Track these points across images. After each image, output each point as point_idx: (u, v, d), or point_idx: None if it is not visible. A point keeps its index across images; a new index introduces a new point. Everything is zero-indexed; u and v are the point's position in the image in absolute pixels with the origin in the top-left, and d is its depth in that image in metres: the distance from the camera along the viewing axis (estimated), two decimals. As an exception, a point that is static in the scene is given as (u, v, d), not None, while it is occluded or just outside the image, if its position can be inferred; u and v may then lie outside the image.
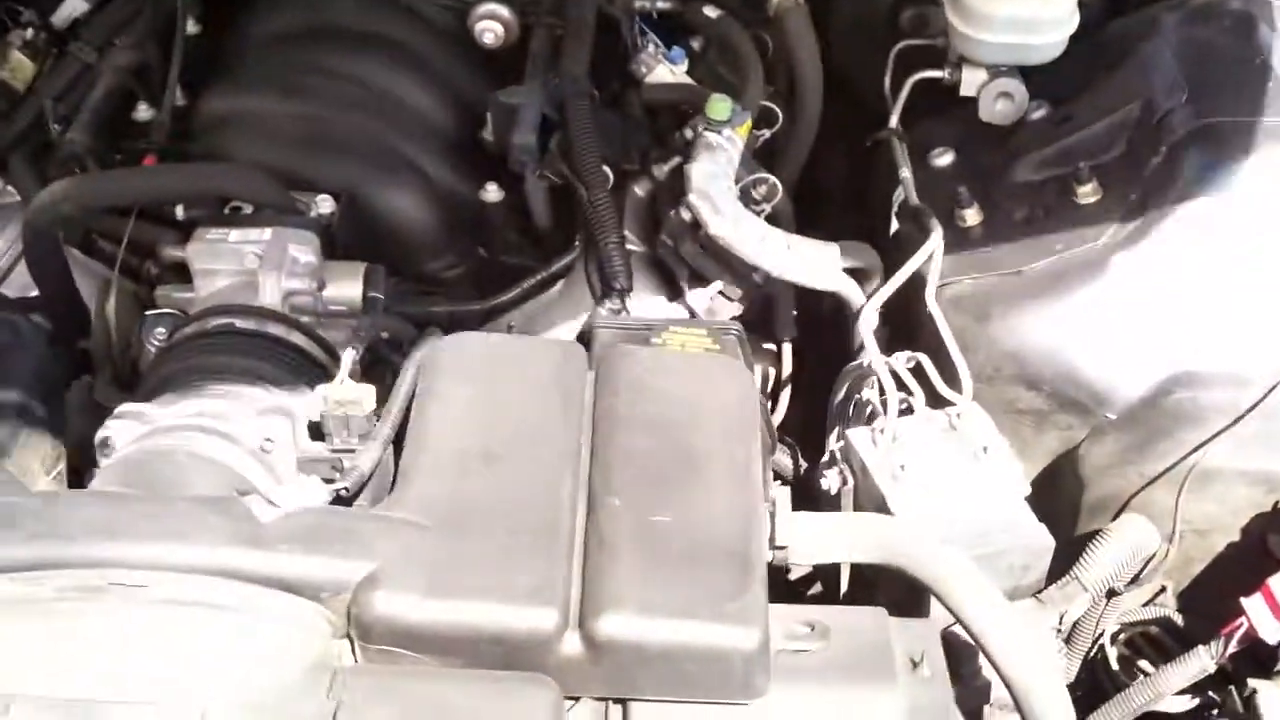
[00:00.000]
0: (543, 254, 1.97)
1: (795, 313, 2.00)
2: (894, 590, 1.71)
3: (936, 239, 1.85)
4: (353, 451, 1.50)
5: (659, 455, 1.45)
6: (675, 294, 1.95)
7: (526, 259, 1.97)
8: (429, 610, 1.29)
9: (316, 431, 1.51)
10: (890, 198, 2.09)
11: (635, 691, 1.32)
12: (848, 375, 1.92)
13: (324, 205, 1.82)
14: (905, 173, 2.01)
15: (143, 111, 1.98)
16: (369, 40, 2.05)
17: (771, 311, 1.99)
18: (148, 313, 1.73)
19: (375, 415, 1.50)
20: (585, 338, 1.79)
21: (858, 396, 1.87)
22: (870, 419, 1.80)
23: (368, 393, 1.50)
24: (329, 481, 1.45)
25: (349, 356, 1.50)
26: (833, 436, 1.78)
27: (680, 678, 1.31)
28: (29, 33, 2.17)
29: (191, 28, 2.10)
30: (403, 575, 1.31)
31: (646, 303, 1.92)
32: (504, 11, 2.08)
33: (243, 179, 1.76)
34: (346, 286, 1.72)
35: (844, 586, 1.74)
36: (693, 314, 1.92)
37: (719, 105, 1.93)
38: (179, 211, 1.81)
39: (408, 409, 1.50)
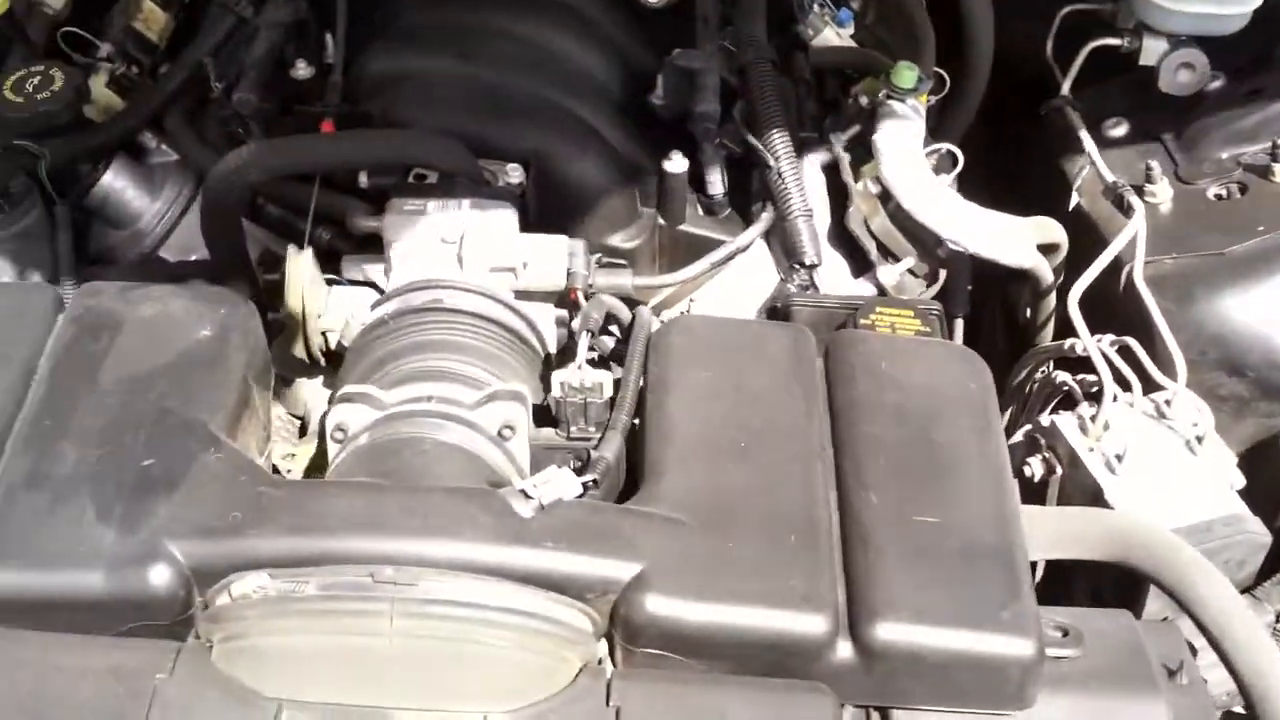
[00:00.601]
0: (718, 225, 1.90)
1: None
2: (1095, 581, 1.69)
3: (1140, 219, 1.80)
4: (588, 440, 1.44)
5: (906, 448, 1.41)
6: (860, 268, 1.89)
7: (703, 229, 1.90)
8: (701, 614, 1.25)
9: (544, 417, 1.46)
10: (1059, 171, 2.04)
11: (902, 700, 1.29)
12: (1034, 356, 1.87)
13: (514, 174, 1.74)
14: (1091, 145, 1.96)
15: (301, 69, 1.88)
16: (536, 1, 1.96)
17: (948, 284, 1.93)
18: (346, 287, 1.66)
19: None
20: (779, 314, 1.75)
21: (1045, 379, 1.83)
22: (1064, 404, 1.76)
23: (606, 379, 1.44)
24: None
25: (584, 341, 1.44)
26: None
27: (952, 687, 1.28)
28: (161, -20, 2.09)
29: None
30: (673, 577, 1.26)
31: (832, 277, 1.86)
32: (665, -32, 2.00)
33: (440, 147, 1.68)
34: (548, 261, 1.65)
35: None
36: (881, 290, 1.86)
37: (906, 73, 1.87)
38: (362, 179, 1.73)
39: (641, 396, 1.45)
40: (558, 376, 1.47)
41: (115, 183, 1.84)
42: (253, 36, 1.91)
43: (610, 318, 1.59)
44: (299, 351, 1.67)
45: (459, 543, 1.26)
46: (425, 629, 1.21)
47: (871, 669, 1.26)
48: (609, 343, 1.64)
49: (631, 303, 1.67)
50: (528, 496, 1.30)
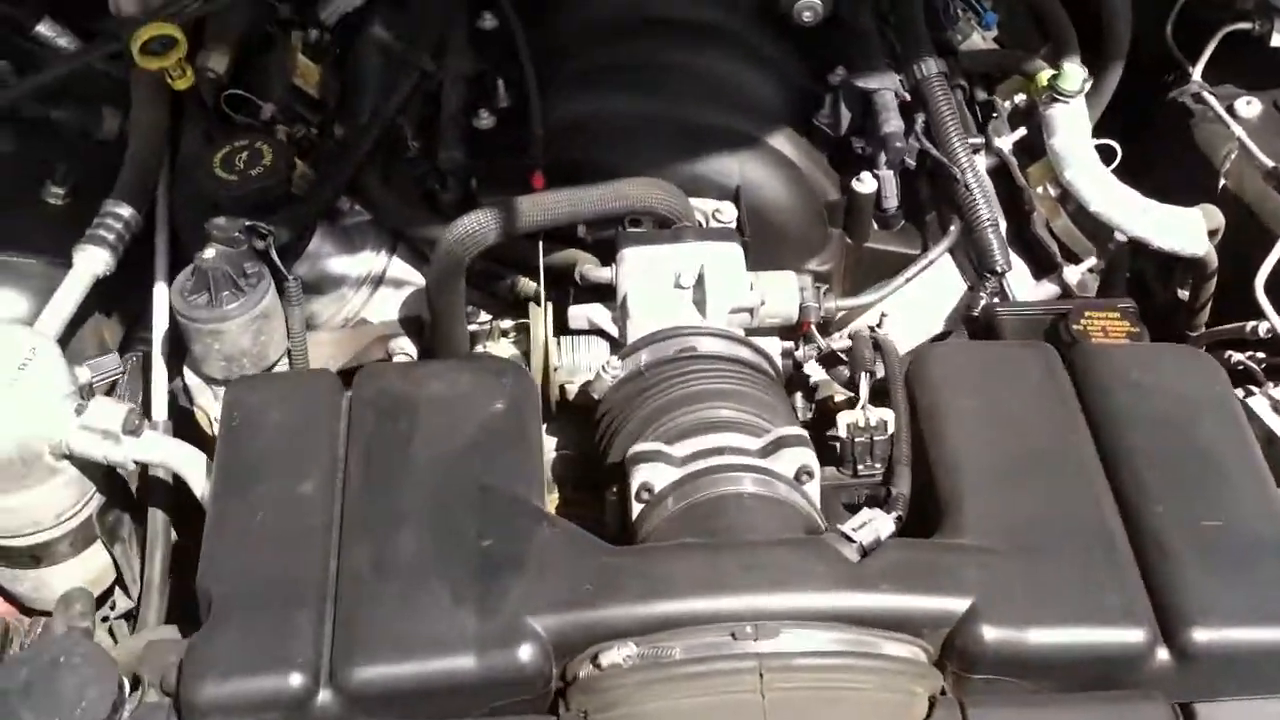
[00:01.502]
0: (897, 238, 1.97)
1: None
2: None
3: (1310, 203, 1.89)
4: (873, 475, 1.52)
5: (1175, 455, 1.49)
6: (1041, 270, 1.97)
7: (887, 245, 1.96)
8: (1035, 638, 1.34)
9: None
10: (1199, 154, 2.11)
11: (1213, 695, 1.38)
12: (1209, 337, 1.96)
13: (728, 212, 1.79)
14: (1240, 130, 2.03)
15: (484, 120, 1.91)
16: (702, 29, 1.98)
17: (1109, 274, 2.01)
18: (578, 337, 1.71)
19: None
20: (980, 323, 1.83)
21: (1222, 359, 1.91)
22: (1240, 385, 1.84)
23: (889, 416, 1.51)
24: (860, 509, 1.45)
25: (866, 382, 1.50)
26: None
27: (1262, 680, 1.37)
28: (311, 34, 2.10)
29: (489, 23, 2.03)
30: (1002, 606, 1.34)
31: (1015, 281, 1.93)
32: (817, -14, 2.04)
33: (662, 194, 1.72)
34: (782, 298, 1.71)
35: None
36: (1066, 290, 1.94)
37: (1073, 74, 1.93)
38: (580, 229, 1.78)
39: (915, 428, 1.52)
40: (843, 418, 1.53)
41: (321, 250, 1.87)
42: (437, 90, 1.93)
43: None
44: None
45: (802, 593, 1.33)
46: (795, 680, 1.28)
47: (1187, 671, 1.35)
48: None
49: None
50: (850, 540, 1.37)
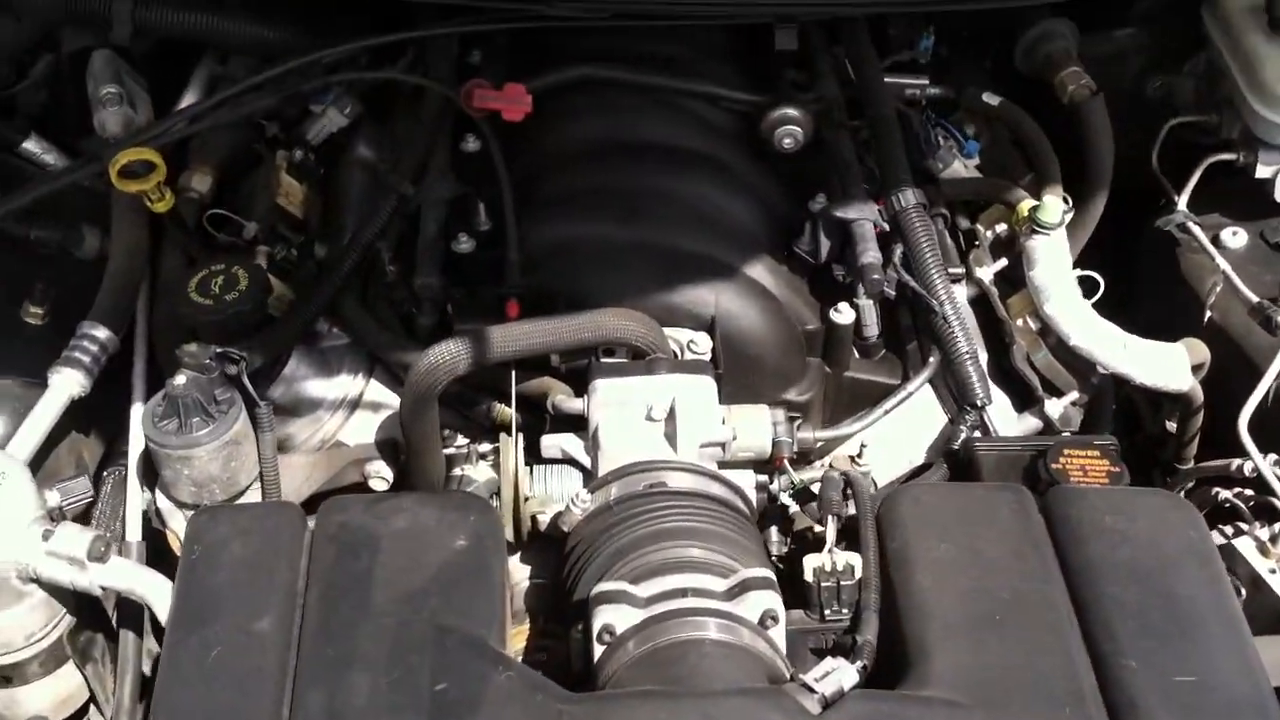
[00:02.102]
0: (877, 368, 1.96)
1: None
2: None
3: (1296, 342, 1.88)
4: (840, 621, 1.49)
5: (1149, 606, 1.46)
6: (1023, 403, 1.95)
7: (867, 374, 1.95)
8: (1002, 796, 1.31)
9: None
10: (1184, 285, 2.10)
11: None
12: (1194, 474, 1.94)
13: (702, 343, 1.79)
14: (1225, 264, 2.03)
15: (463, 244, 1.91)
16: (681, 155, 2.00)
17: (1094, 408, 2.00)
18: (550, 467, 1.70)
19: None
20: (959, 459, 1.81)
21: (1206, 496, 1.89)
22: (1221, 519, 1.82)
23: (857, 561, 1.49)
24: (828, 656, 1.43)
25: (833, 526, 1.49)
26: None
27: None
28: (296, 154, 2.11)
29: (471, 145, 2.04)
30: (968, 762, 1.31)
31: (996, 414, 1.92)
32: (797, 113, 2.04)
33: (637, 325, 1.72)
34: (755, 432, 1.70)
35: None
36: (1048, 424, 1.92)
37: (1052, 206, 1.93)
38: (554, 358, 1.77)
39: (884, 572, 1.50)
40: (810, 562, 1.51)
41: (297, 372, 1.86)
42: (416, 213, 1.94)
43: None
44: (508, 534, 1.70)
45: (762, 748, 1.30)
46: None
47: (1159, 834, 1.32)
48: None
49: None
50: (812, 691, 1.34)
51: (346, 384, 1.91)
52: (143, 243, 1.94)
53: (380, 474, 1.84)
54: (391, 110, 2.18)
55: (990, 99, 2.18)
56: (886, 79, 2.14)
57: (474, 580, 1.45)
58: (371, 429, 1.90)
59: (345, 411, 1.91)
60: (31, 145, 2.06)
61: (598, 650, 1.45)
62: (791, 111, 2.04)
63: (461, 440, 1.85)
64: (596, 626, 1.44)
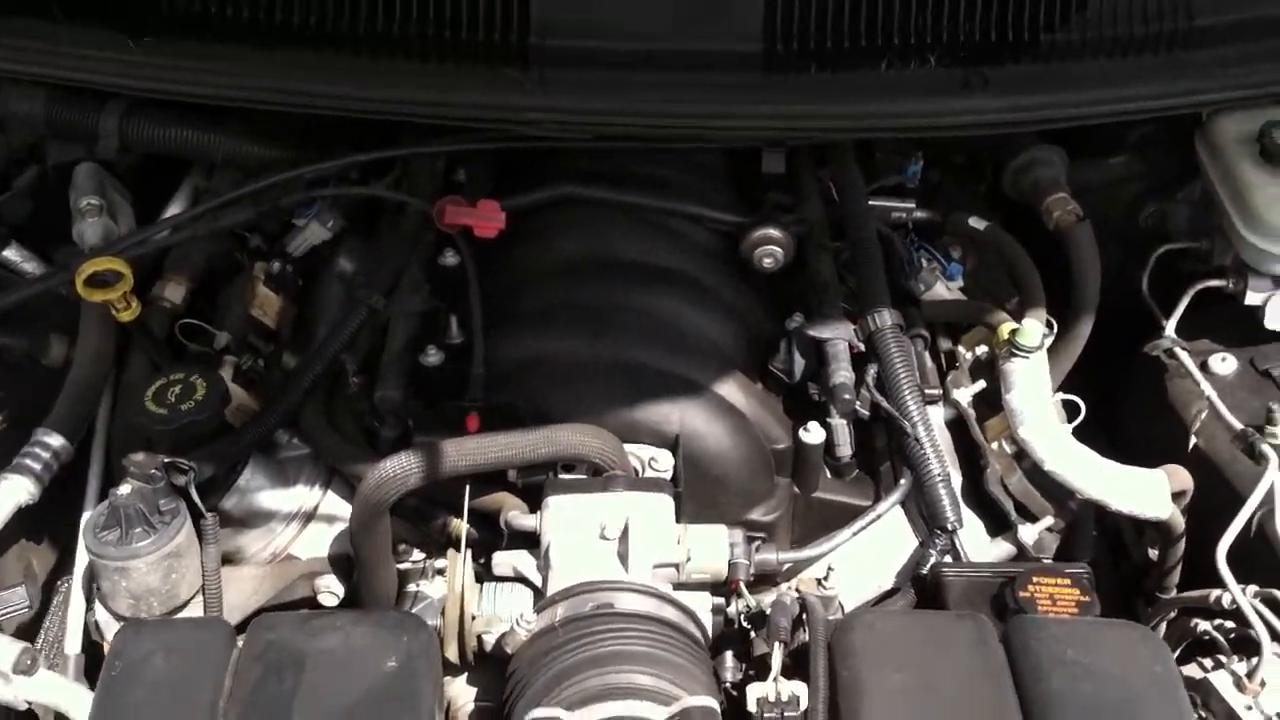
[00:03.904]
0: (849, 488, 1.91)
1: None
2: None
3: (1274, 469, 1.80)
4: (788, 752, 1.42)
5: (1112, 745, 1.39)
6: (997, 527, 1.89)
7: (837, 495, 1.90)
8: None
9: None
10: (1170, 411, 2.05)
11: None
12: (1171, 605, 1.87)
13: (663, 461, 1.75)
14: (1211, 390, 1.97)
15: (431, 356, 1.89)
16: (658, 273, 1.98)
17: (1073, 534, 1.93)
18: (499, 585, 1.66)
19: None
20: (927, 584, 1.75)
21: (1184, 627, 1.81)
22: (1198, 651, 1.75)
23: (803, 691, 1.43)
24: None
25: (779, 653, 1.43)
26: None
27: None
28: (274, 266, 2.11)
29: (450, 260, 2.02)
30: None
31: (969, 538, 1.86)
32: (778, 234, 2.03)
33: (595, 443, 1.69)
34: (711, 554, 1.65)
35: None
36: (1021, 550, 1.86)
37: (1032, 330, 1.88)
38: (511, 473, 1.74)
39: (833, 704, 1.44)
40: (754, 691, 1.45)
41: (252, 483, 1.83)
42: (384, 326, 1.92)
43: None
44: (451, 654, 1.65)
45: None
46: None
47: None
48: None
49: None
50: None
51: (303, 495, 1.87)
52: (107, 351, 1.93)
53: (330, 589, 1.79)
54: (377, 226, 2.19)
55: (976, 223, 2.15)
56: (872, 202, 2.14)
57: (401, 704, 1.40)
58: (325, 542, 1.86)
59: (299, 523, 1.86)
60: (11, 254, 2.07)
61: (536, 784, 1.39)
62: (773, 232, 2.03)
63: (418, 555, 1.81)
64: (534, 758, 1.38)
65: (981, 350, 2.01)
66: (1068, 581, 1.67)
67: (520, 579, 1.69)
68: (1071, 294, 2.08)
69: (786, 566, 1.76)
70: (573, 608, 1.58)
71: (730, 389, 1.86)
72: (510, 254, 2.02)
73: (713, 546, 1.66)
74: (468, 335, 1.91)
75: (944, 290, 2.11)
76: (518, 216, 2.02)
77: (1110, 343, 2.13)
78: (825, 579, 1.77)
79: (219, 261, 2.12)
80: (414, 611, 1.80)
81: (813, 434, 1.84)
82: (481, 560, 1.74)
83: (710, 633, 1.66)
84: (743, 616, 1.66)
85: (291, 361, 2.01)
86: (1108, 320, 2.13)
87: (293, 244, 2.15)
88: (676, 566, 1.64)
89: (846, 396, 1.82)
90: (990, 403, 1.98)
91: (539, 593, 1.66)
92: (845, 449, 1.90)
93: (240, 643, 1.46)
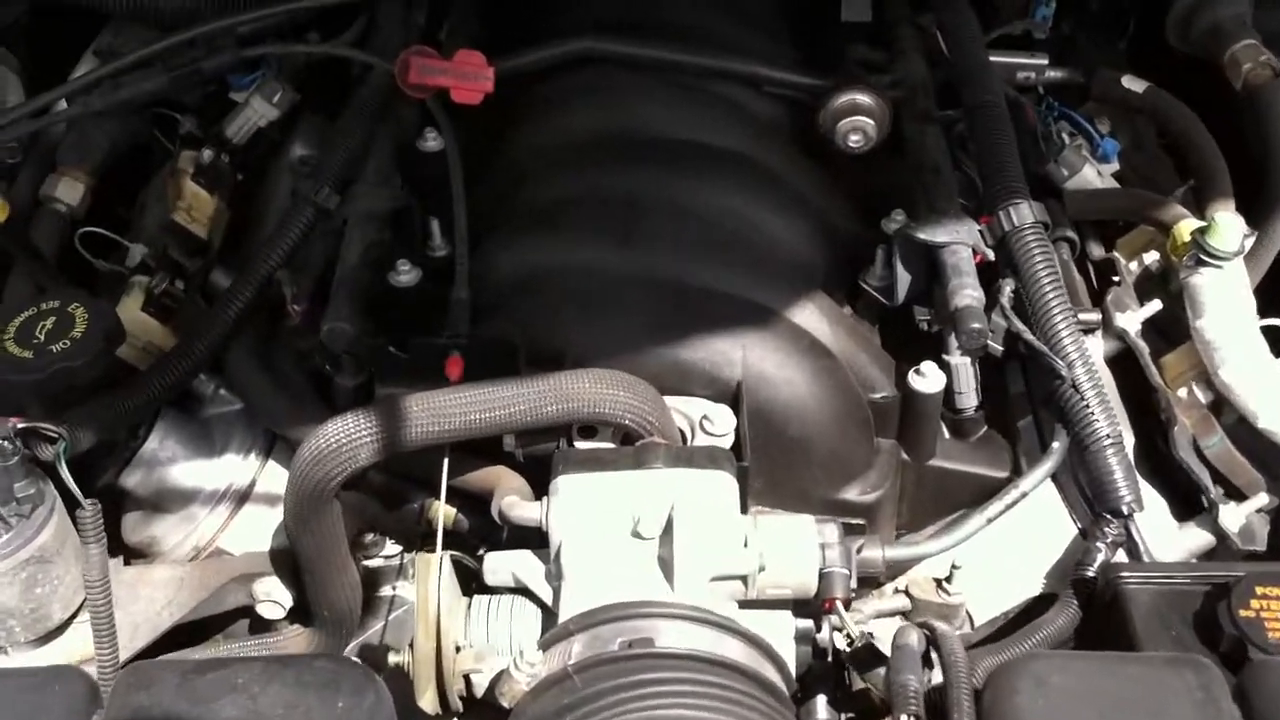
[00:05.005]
0: (975, 453, 1.42)
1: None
2: None
3: None
4: None
5: None
6: (1186, 508, 1.39)
7: (960, 463, 1.41)
8: None
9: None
10: None
11: None
12: None
13: (721, 421, 1.26)
14: None
15: (403, 274, 1.41)
16: (705, 155, 1.50)
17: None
18: (493, 600, 1.18)
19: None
20: (1096, 591, 1.25)
21: None
22: None
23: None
24: None
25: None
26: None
27: None
28: (205, 155, 1.63)
29: (432, 143, 1.53)
30: None
31: (1145, 523, 1.35)
32: (868, 101, 1.53)
33: (624, 397, 1.22)
34: (793, 558, 1.14)
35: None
36: (1224, 542, 1.36)
37: (1229, 228, 1.37)
38: (508, 440, 1.25)
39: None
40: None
41: (160, 453, 1.39)
42: (339, 234, 1.45)
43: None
44: (428, 704, 1.18)
45: None
46: None
47: None
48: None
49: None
50: None
51: (233, 468, 1.44)
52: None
53: (273, 597, 1.36)
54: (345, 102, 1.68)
55: (1133, 84, 1.68)
56: (992, 57, 1.64)
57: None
58: (266, 531, 1.40)
59: (229, 506, 1.44)
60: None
61: None
62: (861, 98, 1.56)
63: (391, 548, 1.39)
64: None
65: (1151, 259, 1.52)
66: (1309, 589, 1.18)
67: (523, 591, 1.20)
68: (1265, 179, 1.59)
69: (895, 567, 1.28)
70: (595, 643, 1.10)
71: (810, 316, 1.40)
72: (509, 134, 1.57)
73: (796, 547, 1.16)
74: (452, 246, 1.44)
75: (1094, 176, 1.64)
76: (518, 83, 1.56)
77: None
78: (948, 580, 1.35)
79: (126, 149, 1.66)
80: (392, 619, 1.39)
81: (929, 378, 1.39)
82: (480, 553, 1.28)
83: (794, 670, 1.18)
84: (840, 645, 1.18)
85: (226, 283, 1.53)
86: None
87: (232, 127, 1.71)
88: (744, 579, 1.14)
89: (976, 325, 1.33)
90: (1165, 333, 1.48)
91: (549, 612, 1.18)
92: (970, 399, 1.45)
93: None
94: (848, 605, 1.18)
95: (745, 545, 1.16)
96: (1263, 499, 1.38)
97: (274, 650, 1.33)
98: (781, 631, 1.19)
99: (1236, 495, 1.41)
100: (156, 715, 0.99)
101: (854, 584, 1.19)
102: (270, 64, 1.67)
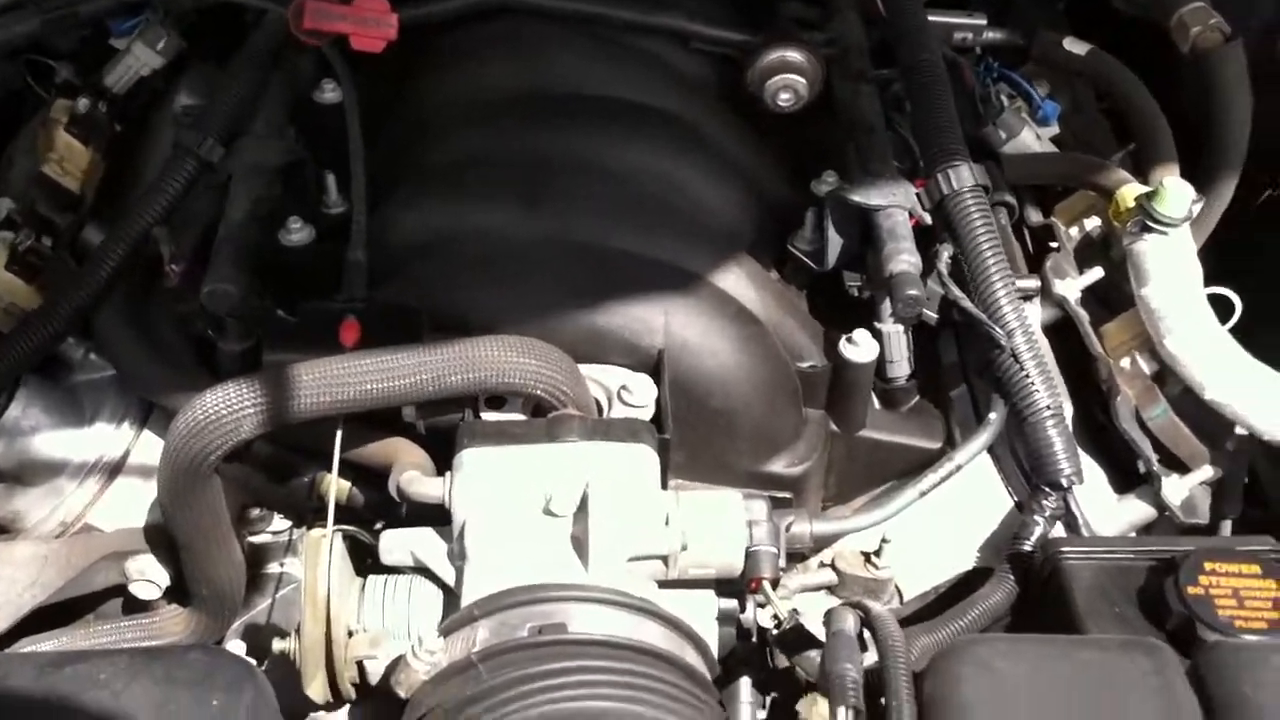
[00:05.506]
0: (907, 424, 1.34)
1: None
2: None
3: None
4: None
5: None
6: (1125, 480, 1.32)
7: (891, 434, 1.33)
8: None
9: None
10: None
11: None
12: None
13: (639, 392, 1.17)
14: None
15: (295, 232, 1.31)
16: (626, 113, 1.41)
17: (1223, 483, 1.36)
18: (390, 580, 1.08)
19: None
20: (1035, 566, 1.18)
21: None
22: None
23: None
24: None
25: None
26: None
27: None
28: (81, 104, 1.51)
29: (330, 95, 1.44)
30: None
31: (1084, 495, 1.28)
32: (799, 58, 1.44)
33: (534, 365, 1.12)
34: (717, 536, 1.05)
35: None
36: (1162, 511, 1.30)
37: (1176, 192, 1.30)
38: (408, 412, 1.15)
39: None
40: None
41: (23, 421, 1.29)
42: (223, 190, 1.33)
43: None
44: (316, 693, 1.07)
45: None
46: None
47: None
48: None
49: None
50: None
51: (104, 438, 1.35)
52: None
53: (147, 574, 1.26)
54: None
55: (1074, 45, 1.61)
56: (930, 16, 1.56)
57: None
58: (141, 506, 1.30)
59: (100, 479, 1.35)
60: None
61: None
62: (792, 55, 1.48)
63: (280, 523, 1.30)
64: None
65: (1092, 224, 1.45)
66: (1258, 569, 1.11)
67: (423, 571, 1.10)
68: (1209, 144, 1.54)
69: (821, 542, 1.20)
70: (502, 629, 1.01)
71: (736, 281, 1.32)
72: (414, 86, 1.47)
73: (721, 525, 1.07)
74: (349, 203, 1.34)
75: (1032, 139, 1.57)
76: (425, 33, 1.46)
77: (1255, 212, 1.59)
78: (877, 554, 1.27)
79: (-1, 97, 1.52)
80: (279, 596, 1.30)
81: (860, 347, 1.30)
82: (378, 527, 1.20)
83: (717, 652, 1.09)
84: (766, 625, 1.09)
85: (99, 240, 1.40)
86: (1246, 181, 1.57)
87: (112, 75, 1.59)
88: (665, 559, 1.05)
89: (912, 291, 1.25)
90: (1105, 300, 1.41)
91: (451, 595, 1.08)
92: (902, 368, 1.38)
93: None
94: (775, 585, 1.10)
95: (666, 523, 1.07)
96: (1206, 471, 1.31)
97: (150, 632, 1.23)
98: (704, 612, 1.10)
99: (1178, 467, 1.33)
100: (12, 699, 0.88)
101: (783, 563, 1.11)
102: (154, 8, 1.54)
